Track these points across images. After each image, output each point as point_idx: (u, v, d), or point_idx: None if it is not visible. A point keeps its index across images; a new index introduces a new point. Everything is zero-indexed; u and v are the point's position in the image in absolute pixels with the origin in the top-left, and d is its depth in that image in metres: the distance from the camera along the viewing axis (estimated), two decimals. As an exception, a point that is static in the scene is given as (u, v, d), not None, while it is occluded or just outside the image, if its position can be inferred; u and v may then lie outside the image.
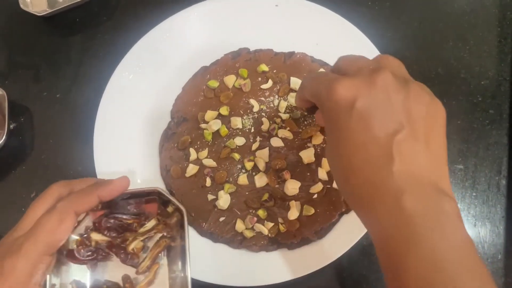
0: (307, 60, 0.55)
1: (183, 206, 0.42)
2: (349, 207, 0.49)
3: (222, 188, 0.50)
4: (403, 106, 0.29)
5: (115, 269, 0.43)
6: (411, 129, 0.29)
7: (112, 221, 0.42)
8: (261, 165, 0.50)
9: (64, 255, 0.40)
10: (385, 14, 0.61)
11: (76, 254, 0.40)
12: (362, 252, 0.51)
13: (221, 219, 0.49)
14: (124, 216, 0.42)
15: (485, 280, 0.28)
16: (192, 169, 0.51)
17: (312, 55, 0.55)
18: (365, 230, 0.48)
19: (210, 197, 0.50)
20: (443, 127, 0.31)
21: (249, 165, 0.51)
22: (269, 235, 0.48)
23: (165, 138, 0.53)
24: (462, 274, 0.27)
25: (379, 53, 0.53)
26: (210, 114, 0.52)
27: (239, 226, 0.49)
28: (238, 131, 0.52)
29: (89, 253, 0.41)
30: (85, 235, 0.41)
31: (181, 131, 0.53)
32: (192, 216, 0.50)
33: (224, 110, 0.52)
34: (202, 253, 0.49)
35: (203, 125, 0.52)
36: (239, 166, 0.51)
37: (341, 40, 0.55)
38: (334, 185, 0.50)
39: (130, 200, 0.43)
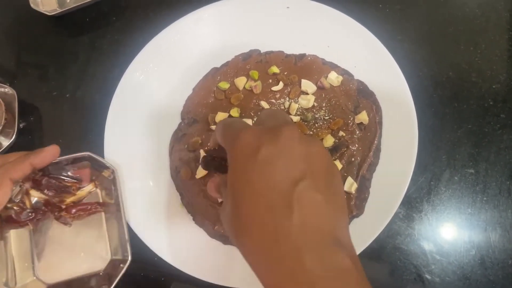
0: (318, 62, 0.55)
1: (113, 166, 0.48)
2: (359, 211, 0.49)
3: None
4: (306, 157, 0.30)
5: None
6: (312, 180, 0.29)
7: (53, 181, 0.47)
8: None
9: (4, 222, 0.44)
10: (395, 17, 0.61)
11: (15, 218, 0.45)
12: (372, 256, 0.50)
13: (231, 221, 0.49)
14: (64, 178, 0.48)
15: None
16: (202, 171, 0.50)
17: (323, 57, 0.55)
18: (376, 235, 0.47)
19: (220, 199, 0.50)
20: (341, 184, 0.33)
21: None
22: (279, 238, 0.48)
23: (175, 139, 0.53)
24: None
25: (390, 56, 0.53)
26: (220, 116, 0.52)
27: (249, 228, 0.48)
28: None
29: (28, 213, 0.46)
30: (20, 199, 0.45)
31: (191, 133, 0.52)
32: (202, 217, 0.50)
33: (234, 112, 0.52)
34: (213, 255, 0.49)
35: (213, 127, 0.52)
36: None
37: (352, 42, 0.55)
38: (345, 188, 0.50)
39: (67, 167, 0.49)
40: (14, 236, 0.48)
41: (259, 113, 0.53)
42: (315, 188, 0.29)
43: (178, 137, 0.53)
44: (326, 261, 0.27)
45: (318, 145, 0.31)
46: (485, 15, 0.60)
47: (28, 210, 0.46)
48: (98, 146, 0.52)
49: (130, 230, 0.49)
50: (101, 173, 0.50)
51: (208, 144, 0.37)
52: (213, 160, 0.37)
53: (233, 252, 0.49)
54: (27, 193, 0.46)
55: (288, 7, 0.56)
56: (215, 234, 0.49)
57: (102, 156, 0.51)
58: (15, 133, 0.54)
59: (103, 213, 0.50)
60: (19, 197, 0.45)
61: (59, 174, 0.49)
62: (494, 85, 0.57)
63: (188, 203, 0.51)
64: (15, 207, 0.45)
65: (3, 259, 0.46)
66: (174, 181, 0.52)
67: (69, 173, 0.50)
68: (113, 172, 0.48)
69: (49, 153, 0.44)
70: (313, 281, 0.26)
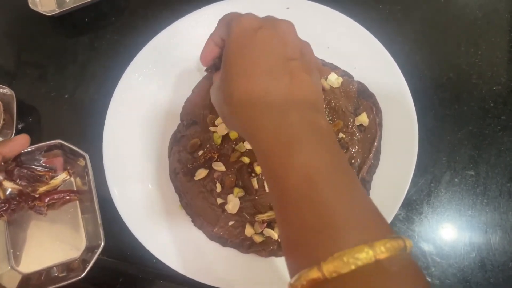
0: (318, 63, 0.54)
1: (85, 152, 0.48)
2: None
3: (232, 192, 0.50)
4: (299, 46, 0.35)
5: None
6: (303, 63, 0.34)
7: (25, 171, 0.47)
8: (271, 169, 0.50)
9: None
10: (396, 18, 0.61)
11: None
12: (372, 258, 0.50)
13: (230, 223, 0.49)
14: (37, 168, 0.49)
15: (350, 182, 0.31)
16: (201, 173, 0.50)
17: (323, 59, 0.55)
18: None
19: (219, 201, 0.50)
20: (319, 76, 0.38)
21: (258, 169, 0.50)
22: (279, 240, 0.48)
23: (174, 141, 0.53)
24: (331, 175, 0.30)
25: (390, 57, 0.53)
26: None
27: (248, 230, 0.48)
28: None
29: (2, 204, 0.46)
30: None
31: (191, 134, 0.52)
32: (201, 219, 0.49)
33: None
34: (211, 257, 0.49)
35: (212, 128, 0.52)
36: (249, 170, 0.51)
37: (352, 43, 0.54)
38: (345, 190, 0.49)
39: (40, 156, 0.49)
40: None
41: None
42: (305, 69, 0.34)
43: (177, 138, 0.52)
44: (307, 119, 0.31)
45: (308, 45, 0.38)
46: (486, 17, 0.60)
47: (1, 201, 0.46)
48: (96, 147, 0.52)
49: (125, 228, 0.49)
50: (76, 161, 0.50)
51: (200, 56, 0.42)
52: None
53: (232, 255, 0.49)
54: (0, 184, 0.46)
55: (287, 8, 0.56)
56: (214, 236, 0.49)
57: (100, 153, 0.51)
58: (13, 134, 0.54)
59: (78, 202, 0.51)
60: None
61: (32, 163, 0.49)
62: (495, 86, 0.57)
63: (187, 204, 0.50)
64: None
65: None
66: (173, 183, 0.52)
67: (42, 162, 0.50)
68: (84, 158, 0.48)
69: (18, 143, 0.45)
70: (294, 134, 0.31)
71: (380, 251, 0.25)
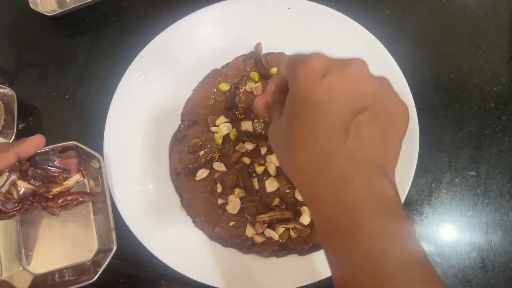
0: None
1: (99, 154, 0.48)
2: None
3: (232, 193, 0.50)
4: (373, 93, 0.30)
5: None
6: (373, 114, 0.29)
7: (39, 171, 0.47)
8: (272, 170, 0.50)
9: None
10: (397, 18, 0.60)
11: (2, 208, 0.45)
12: (373, 258, 0.50)
13: (231, 223, 0.49)
14: (51, 168, 0.48)
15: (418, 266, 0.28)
16: (202, 173, 0.50)
17: (324, 59, 0.55)
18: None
19: (220, 201, 0.50)
20: (403, 131, 0.32)
21: (259, 169, 0.50)
22: (280, 240, 0.48)
23: (175, 141, 0.53)
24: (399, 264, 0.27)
25: (391, 57, 0.53)
26: (222, 119, 0.52)
27: (249, 231, 0.48)
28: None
29: (15, 204, 0.46)
30: (7, 189, 0.45)
31: (191, 134, 0.52)
32: (202, 220, 0.49)
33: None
34: (212, 258, 0.49)
35: (213, 129, 0.52)
36: (250, 170, 0.51)
37: (353, 43, 0.54)
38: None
39: (54, 157, 0.49)
40: (1, 227, 0.48)
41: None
42: (374, 123, 0.29)
43: (178, 138, 0.52)
44: (373, 186, 0.28)
45: (387, 84, 0.31)
46: (486, 17, 0.60)
47: (15, 201, 0.46)
48: (97, 147, 0.52)
49: (126, 228, 0.49)
50: (90, 163, 0.50)
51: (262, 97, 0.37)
52: None
53: (233, 255, 0.49)
54: (14, 184, 0.46)
55: (288, 8, 0.56)
56: (214, 237, 0.49)
57: (102, 152, 0.51)
58: (14, 134, 0.54)
59: (90, 203, 0.51)
60: (6, 187, 0.45)
61: (46, 164, 0.49)
62: (496, 87, 0.57)
63: (188, 205, 0.50)
64: (1, 198, 0.45)
65: None
66: (174, 183, 0.52)
67: (56, 163, 0.50)
68: (98, 160, 0.48)
69: (34, 143, 0.44)
70: (359, 203, 0.28)
71: None
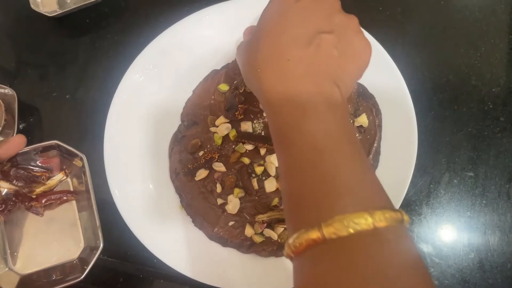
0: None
1: (82, 154, 0.48)
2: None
3: (232, 193, 0.50)
4: (340, 24, 0.35)
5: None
6: (337, 38, 0.34)
7: (21, 172, 0.47)
8: (271, 170, 0.50)
9: None
10: (396, 20, 0.61)
11: None
12: (371, 258, 0.50)
13: (231, 223, 0.49)
14: (33, 168, 0.49)
15: (355, 152, 0.32)
16: (202, 173, 0.50)
17: (323, 60, 0.55)
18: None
19: (220, 201, 0.50)
20: (363, 63, 0.37)
21: (259, 169, 0.50)
22: (279, 240, 0.48)
23: (174, 141, 0.53)
24: (340, 148, 0.31)
25: (390, 59, 0.53)
26: (221, 119, 0.52)
27: (249, 231, 0.49)
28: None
29: None
30: None
31: (191, 134, 0.53)
32: (201, 220, 0.50)
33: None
34: (211, 258, 0.49)
35: (213, 129, 0.52)
36: (249, 170, 0.51)
37: (352, 45, 0.55)
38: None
39: (36, 156, 0.49)
40: None
41: (259, 115, 0.53)
42: (335, 45, 0.33)
43: (178, 139, 0.53)
44: (323, 89, 0.32)
45: (355, 22, 0.36)
46: (485, 18, 0.60)
47: None
48: (97, 147, 0.52)
49: (125, 228, 0.49)
50: (72, 161, 0.51)
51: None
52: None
53: (233, 255, 0.49)
54: None
55: (288, 10, 0.56)
56: (214, 236, 0.49)
57: (101, 153, 0.51)
58: (14, 134, 0.54)
59: (74, 202, 0.51)
60: None
61: (28, 164, 0.49)
62: (494, 88, 0.57)
63: (187, 205, 0.51)
64: None
65: None
66: (174, 183, 0.52)
67: (38, 163, 0.50)
68: (81, 159, 0.49)
69: (14, 143, 0.44)
70: (307, 101, 0.31)
71: (379, 219, 0.26)
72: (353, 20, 0.36)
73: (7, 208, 0.47)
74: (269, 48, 0.34)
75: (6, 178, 0.47)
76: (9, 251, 0.48)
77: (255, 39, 0.35)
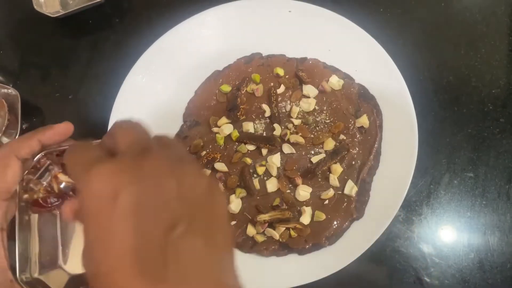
0: (319, 66, 0.55)
1: None
2: (359, 214, 0.49)
3: (234, 193, 0.50)
4: (178, 193, 0.24)
5: None
6: (189, 221, 0.24)
7: None
8: (273, 170, 0.50)
9: (30, 206, 0.41)
10: (396, 21, 0.61)
11: (42, 202, 0.41)
12: (372, 259, 0.51)
13: (232, 223, 0.50)
14: None
15: None
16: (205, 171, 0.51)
17: (325, 61, 0.55)
18: (376, 238, 0.48)
19: (222, 201, 0.50)
20: (224, 214, 0.28)
21: (260, 170, 0.51)
22: (280, 240, 0.48)
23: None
24: None
25: (391, 60, 0.54)
26: (223, 120, 0.52)
27: (250, 230, 0.49)
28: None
29: (55, 199, 0.42)
30: (47, 183, 0.42)
31: (193, 135, 0.53)
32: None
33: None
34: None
35: (215, 129, 0.53)
36: (251, 170, 0.51)
37: (353, 46, 0.55)
38: (345, 191, 0.50)
39: None
40: (40, 221, 0.46)
41: (260, 116, 0.53)
42: (193, 231, 0.24)
43: (180, 139, 0.53)
44: None
45: (190, 172, 0.26)
46: (485, 20, 0.61)
47: (56, 195, 0.42)
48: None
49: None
50: None
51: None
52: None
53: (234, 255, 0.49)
54: (55, 177, 0.42)
55: (290, 11, 0.56)
56: (216, 236, 0.50)
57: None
58: (18, 134, 0.54)
59: None
60: (47, 180, 0.43)
61: None
62: (494, 89, 0.57)
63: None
64: (42, 191, 0.42)
65: (26, 245, 0.45)
66: (176, 183, 0.52)
67: None
68: None
69: (60, 130, 0.38)
70: None
71: None
72: (187, 168, 0.26)
73: (64, 203, 0.44)
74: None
75: (65, 171, 0.42)
76: (61, 248, 0.44)
77: (90, 264, 0.24)
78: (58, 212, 0.44)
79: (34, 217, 0.43)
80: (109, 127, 0.53)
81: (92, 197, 0.23)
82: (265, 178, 0.51)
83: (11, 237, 0.38)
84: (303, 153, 0.52)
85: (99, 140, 0.30)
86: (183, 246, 0.23)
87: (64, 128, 0.39)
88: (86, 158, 0.25)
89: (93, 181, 0.23)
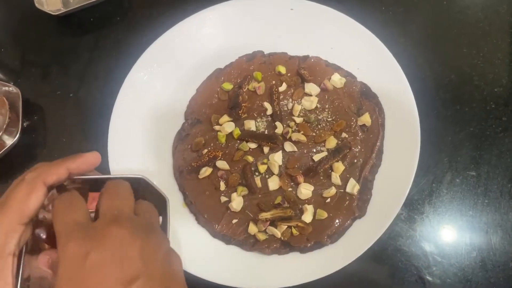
0: (321, 64, 0.55)
1: (166, 195, 0.40)
2: (361, 212, 0.49)
3: (235, 191, 0.50)
4: (139, 254, 0.30)
5: None
6: (147, 277, 0.29)
7: None
8: (275, 169, 0.50)
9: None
10: (398, 20, 0.61)
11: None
12: (373, 257, 0.51)
13: (234, 221, 0.50)
14: None
15: None
16: (205, 171, 0.51)
17: (327, 59, 0.55)
18: (378, 236, 0.48)
19: (223, 199, 0.50)
20: (181, 272, 0.33)
21: (262, 168, 0.51)
22: (282, 238, 0.48)
23: (178, 139, 0.53)
24: None
25: (393, 58, 0.53)
26: (225, 118, 0.52)
27: (252, 228, 0.49)
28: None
29: None
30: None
31: (195, 133, 0.53)
32: (205, 217, 0.50)
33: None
34: (214, 255, 0.49)
35: (216, 127, 0.52)
36: (253, 168, 0.51)
37: (355, 44, 0.55)
38: (347, 189, 0.50)
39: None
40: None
41: (262, 114, 0.53)
42: (151, 284, 0.29)
43: (182, 137, 0.53)
44: None
45: (154, 238, 0.32)
46: (487, 19, 0.60)
47: None
48: (101, 145, 0.52)
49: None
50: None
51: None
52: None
53: (235, 252, 0.49)
54: None
55: (291, 9, 0.56)
56: (217, 234, 0.50)
57: (105, 151, 0.51)
58: (19, 132, 0.54)
59: None
60: None
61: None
62: (496, 88, 0.57)
63: (191, 203, 0.51)
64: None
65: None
66: (177, 181, 0.52)
67: None
68: (164, 203, 0.41)
69: (88, 159, 0.39)
70: None
71: None
72: (158, 237, 0.33)
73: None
74: None
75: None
76: None
77: None
78: None
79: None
80: (111, 125, 0.52)
81: (67, 258, 0.29)
82: (267, 176, 0.51)
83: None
84: (305, 151, 0.51)
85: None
86: None
87: (93, 158, 0.39)
88: (71, 220, 0.31)
89: (69, 245, 0.29)
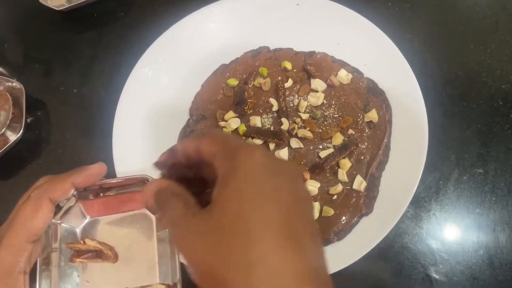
0: (327, 60, 0.54)
1: None
2: (368, 209, 0.49)
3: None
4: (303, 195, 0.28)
5: None
6: (307, 222, 0.27)
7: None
8: (281, 165, 0.50)
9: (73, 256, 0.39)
10: (405, 15, 0.60)
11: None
12: (380, 255, 0.50)
13: (239, 218, 0.49)
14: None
15: None
16: (210, 168, 0.50)
17: (333, 55, 0.55)
18: (385, 233, 0.47)
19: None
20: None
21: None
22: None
23: (183, 136, 0.53)
24: None
25: (400, 54, 0.53)
26: (230, 114, 0.52)
27: (257, 226, 0.48)
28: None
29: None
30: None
31: (200, 129, 0.52)
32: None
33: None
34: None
35: (222, 123, 0.52)
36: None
37: (362, 40, 0.54)
38: (354, 186, 0.49)
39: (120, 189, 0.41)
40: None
41: (267, 110, 0.53)
42: (312, 234, 0.27)
43: (187, 133, 0.53)
44: None
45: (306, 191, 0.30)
46: (494, 15, 0.60)
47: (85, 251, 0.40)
48: (105, 141, 0.52)
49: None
50: None
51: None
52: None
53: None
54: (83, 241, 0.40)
55: (297, 4, 0.56)
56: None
57: (109, 147, 0.51)
58: (22, 128, 0.54)
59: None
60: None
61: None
62: (504, 85, 0.57)
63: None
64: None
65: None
66: (182, 178, 0.52)
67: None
68: None
69: (93, 172, 0.38)
70: None
71: None
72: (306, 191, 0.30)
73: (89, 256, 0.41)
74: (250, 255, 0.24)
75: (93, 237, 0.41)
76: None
77: (233, 244, 0.25)
78: (79, 262, 0.41)
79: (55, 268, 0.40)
80: (115, 121, 0.52)
81: (254, 165, 0.26)
82: (273, 173, 0.50)
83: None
84: (311, 147, 0.51)
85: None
86: (308, 243, 0.26)
87: (98, 169, 0.39)
88: (241, 141, 0.30)
89: (257, 154, 0.27)
